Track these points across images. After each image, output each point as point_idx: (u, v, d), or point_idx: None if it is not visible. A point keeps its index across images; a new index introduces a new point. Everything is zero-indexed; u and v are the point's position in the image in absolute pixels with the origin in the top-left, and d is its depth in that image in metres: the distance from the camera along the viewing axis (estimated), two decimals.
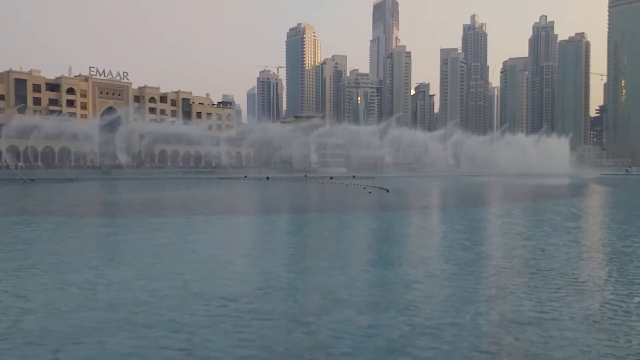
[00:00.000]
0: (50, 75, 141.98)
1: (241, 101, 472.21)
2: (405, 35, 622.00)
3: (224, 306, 10.73)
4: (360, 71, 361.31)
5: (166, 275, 13.87)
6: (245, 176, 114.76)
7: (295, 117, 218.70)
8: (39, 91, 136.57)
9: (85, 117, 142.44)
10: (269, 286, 12.58)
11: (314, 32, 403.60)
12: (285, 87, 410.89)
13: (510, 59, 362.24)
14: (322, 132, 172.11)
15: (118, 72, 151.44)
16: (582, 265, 15.42)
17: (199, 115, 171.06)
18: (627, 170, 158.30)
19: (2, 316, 10.10)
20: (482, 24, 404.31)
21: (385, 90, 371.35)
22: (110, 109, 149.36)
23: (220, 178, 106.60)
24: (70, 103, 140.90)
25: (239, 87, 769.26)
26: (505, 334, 9.06)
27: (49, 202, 44.47)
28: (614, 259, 16.35)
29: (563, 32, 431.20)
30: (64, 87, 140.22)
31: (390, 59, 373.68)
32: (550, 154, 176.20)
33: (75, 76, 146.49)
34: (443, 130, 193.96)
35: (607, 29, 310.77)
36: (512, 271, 14.28)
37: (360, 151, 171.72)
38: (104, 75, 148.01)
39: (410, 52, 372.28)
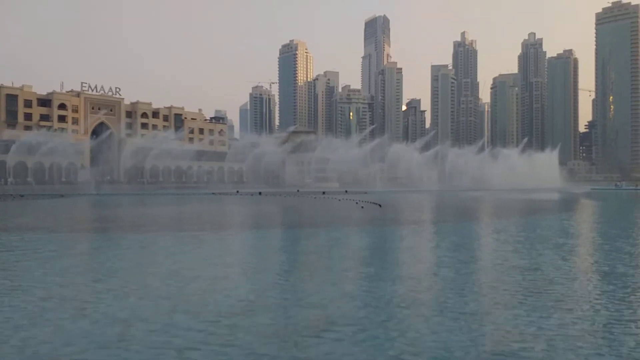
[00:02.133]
0: (42, 90, 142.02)
1: (234, 117, 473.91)
2: (397, 51, 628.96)
3: (210, 325, 10.62)
4: (352, 87, 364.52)
5: (151, 293, 13.71)
6: (238, 191, 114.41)
7: (288, 133, 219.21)
8: (30, 107, 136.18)
9: (77, 133, 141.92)
10: (257, 304, 12.48)
11: (306, 49, 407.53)
12: (277, 102, 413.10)
13: (500, 75, 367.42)
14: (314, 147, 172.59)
15: (110, 88, 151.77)
16: (577, 282, 15.45)
17: (191, 130, 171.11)
18: (616, 185, 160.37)
19: None
20: (472, 40, 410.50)
21: (376, 106, 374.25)
22: (102, 125, 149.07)
23: (213, 193, 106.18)
24: (62, 118, 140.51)
25: (232, 103, 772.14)
26: (499, 353, 9.03)
27: (38, 218, 44.00)
28: (613, 276, 16.40)
29: (551, 49, 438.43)
30: (56, 103, 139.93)
31: (382, 75, 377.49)
32: (540, 169, 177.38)
33: (67, 92, 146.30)
34: (434, 150, 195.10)
35: (594, 46, 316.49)
36: (505, 289, 14.27)
37: (352, 166, 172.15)
38: (96, 91, 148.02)
39: (401, 69, 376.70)
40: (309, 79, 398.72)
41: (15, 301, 12.72)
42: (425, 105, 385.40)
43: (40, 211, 53.14)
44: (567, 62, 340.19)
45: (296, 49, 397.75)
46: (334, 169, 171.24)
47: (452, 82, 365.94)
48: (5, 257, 20.16)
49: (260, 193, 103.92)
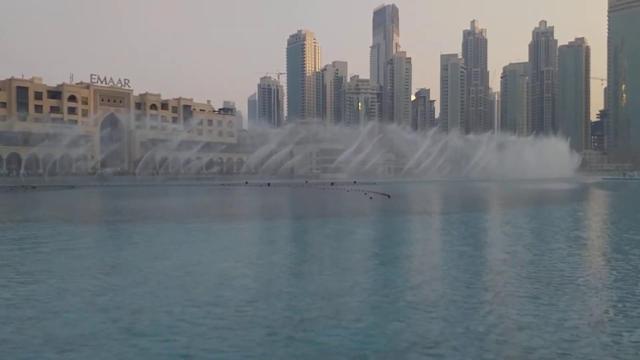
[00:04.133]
0: (52, 82, 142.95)
1: (242, 108, 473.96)
2: (406, 41, 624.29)
3: (223, 313, 10.70)
4: (360, 77, 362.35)
5: (166, 282, 13.84)
6: (247, 182, 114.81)
7: (296, 123, 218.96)
8: (41, 99, 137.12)
9: (87, 125, 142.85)
10: (270, 293, 12.55)
11: (314, 39, 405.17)
12: (286, 93, 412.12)
13: (510, 64, 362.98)
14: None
15: (119, 80, 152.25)
16: (588, 272, 15.37)
17: (200, 122, 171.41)
18: (624, 175, 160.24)
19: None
20: (482, 29, 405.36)
21: (385, 96, 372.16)
22: (111, 116, 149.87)
23: (222, 184, 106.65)
24: (72, 110, 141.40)
25: (240, 94, 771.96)
26: (508, 340, 9.03)
27: (50, 210, 44.48)
28: (624, 266, 16.29)
29: (563, 37, 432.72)
30: (66, 95, 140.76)
31: (391, 64, 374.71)
32: (552, 159, 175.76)
33: (77, 83, 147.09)
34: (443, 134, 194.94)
35: (606, 34, 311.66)
36: (515, 278, 14.23)
37: (361, 157, 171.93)
38: (105, 83, 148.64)
39: (410, 58, 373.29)
40: (317, 70, 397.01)
41: (27, 292, 12.91)
42: (435, 95, 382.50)
43: (53, 203, 53.71)
44: (578, 51, 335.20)
45: (304, 39, 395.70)
46: (343, 159, 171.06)
47: (462, 72, 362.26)
48: (19, 248, 20.46)
49: (269, 184, 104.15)
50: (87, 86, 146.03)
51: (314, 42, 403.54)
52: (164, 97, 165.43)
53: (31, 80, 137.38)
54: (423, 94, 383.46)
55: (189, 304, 11.49)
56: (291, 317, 10.53)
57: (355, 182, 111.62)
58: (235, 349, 8.74)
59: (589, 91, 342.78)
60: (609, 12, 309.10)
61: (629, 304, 11.30)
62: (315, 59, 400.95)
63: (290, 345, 8.89)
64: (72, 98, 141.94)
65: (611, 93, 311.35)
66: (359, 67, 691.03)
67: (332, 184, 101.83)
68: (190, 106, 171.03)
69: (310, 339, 9.16)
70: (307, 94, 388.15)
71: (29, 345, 9.02)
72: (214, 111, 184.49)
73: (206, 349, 8.77)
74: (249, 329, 9.72)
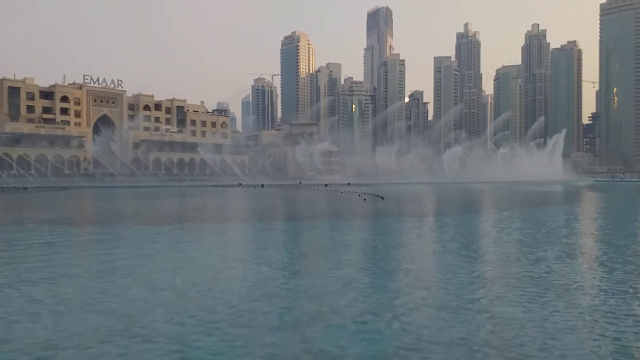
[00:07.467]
0: (44, 83, 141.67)
1: (236, 109, 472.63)
2: (399, 43, 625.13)
3: (217, 314, 10.65)
4: (354, 79, 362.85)
5: (159, 283, 13.75)
6: (240, 184, 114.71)
7: (290, 125, 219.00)
8: (33, 99, 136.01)
9: (79, 125, 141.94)
10: (263, 294, 12.51)
11: (308, 40, 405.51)
12: (279, 94, 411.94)
13: (503, 66, 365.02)
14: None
15: (112, 80, 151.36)
16: (578, 273, 15.45)
17: (193, 122, 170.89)
18: (612, 177, 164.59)
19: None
20: (475, 32, 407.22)
21: (379, 98, 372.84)
22: (104, 117, 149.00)
23: (215, 185, 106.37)
24: (64, 111, 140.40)
25: (234, 95, 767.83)
26: (497, 342, 9.05)
27: (44, 210, 44.13)
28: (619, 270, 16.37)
29: (555, 41, 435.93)
30: (58, 95, 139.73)
31: (385, 67, 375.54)
32: (544, 162, 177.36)
33: (69, 84, 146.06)
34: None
35: (598, 37, 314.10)
36: (507, 280, 14.28)
37: (354, 158, 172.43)
38: (98, 83, 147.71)
39: (404, 60, 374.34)
40: (311, 71, 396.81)
41: (15, 295, 12.80)
42: (428, 97, 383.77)
43: (44, 204, 53.28)
44: (571, 54, 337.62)
45: (298, 41, 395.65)
46: (338, 161, 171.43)
47: (455, 74, 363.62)
48: (9, 250, 20.27)
49: (262, 185, 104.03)
50: (80, 87, 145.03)
51: (307, 44, 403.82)
52: (157, 98, 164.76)
53: (23, 81, 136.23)
54: (416, 96, 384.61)
55: (181, 306, 11.42)
56: (286, 317, 10.49)
57: (349, 183, 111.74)
58: (229, 350, 8.70)
59: (581, 94, 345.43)
60: (600, 15, 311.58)
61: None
62: (309, 60, 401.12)
63: (285, 346, 8.86)
64: (64, 99, 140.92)
65: (603, 96, 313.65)
66: (353, 69, 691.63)
67: (326, 185, 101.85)
68: (183, 107, 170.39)
69: (306, 340, 9.13)
70: (301, 95, 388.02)
71: (17, 348, 8.92)
72: (208, 112, 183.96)
73: (200, 349, 8.72)
74: (244, 330, 9.68)
